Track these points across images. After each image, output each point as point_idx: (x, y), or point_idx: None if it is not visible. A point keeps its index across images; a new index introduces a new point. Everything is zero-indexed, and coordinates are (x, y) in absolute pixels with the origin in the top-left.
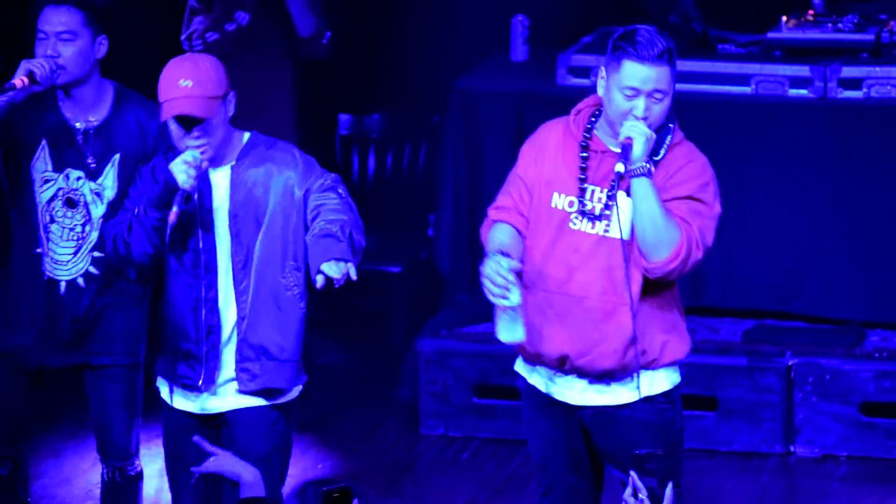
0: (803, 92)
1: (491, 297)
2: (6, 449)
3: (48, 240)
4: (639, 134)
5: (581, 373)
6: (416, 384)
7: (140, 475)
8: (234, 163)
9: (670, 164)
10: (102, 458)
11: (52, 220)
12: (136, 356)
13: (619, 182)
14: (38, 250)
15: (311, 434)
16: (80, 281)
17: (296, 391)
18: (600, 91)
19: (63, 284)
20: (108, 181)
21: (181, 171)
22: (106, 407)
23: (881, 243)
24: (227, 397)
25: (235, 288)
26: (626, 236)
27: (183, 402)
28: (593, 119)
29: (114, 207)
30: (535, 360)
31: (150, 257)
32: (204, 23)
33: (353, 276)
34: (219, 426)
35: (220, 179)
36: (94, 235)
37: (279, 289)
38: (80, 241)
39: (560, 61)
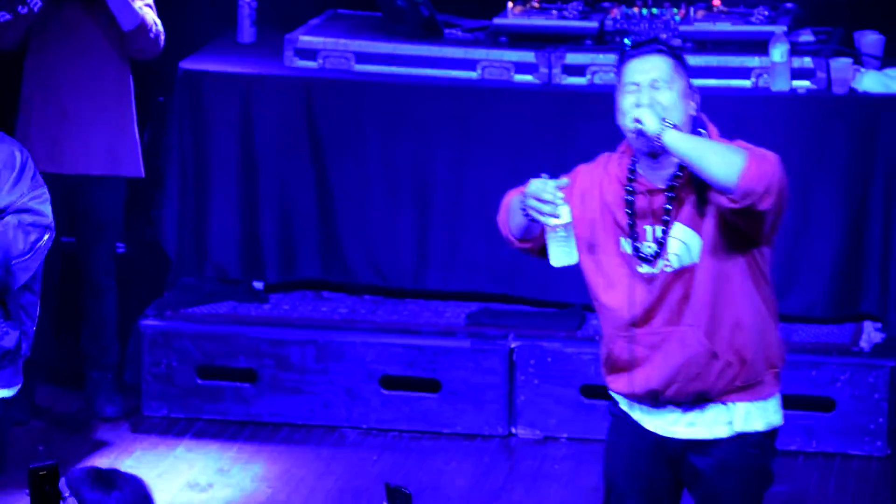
0: (528, 78)
1: (540, 218)
2: None
3: None
4: (641, 110)
5: (675, 403)
6: (139, 366)
7: None
8: None
9: None
10: None
11: None
12: None
13: (672, 212)
14: None
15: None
16: None
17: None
18: (619, 118)
19: None
20: None
21: None
22: None
23: None
24: None
25: None
26: (680, 263)
27: None
28: (634, 159)
29: None
30: (631, 398)
31: None
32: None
33: None
34: None
35: None
36: None
37: None
38: None
39: (287, 43)
